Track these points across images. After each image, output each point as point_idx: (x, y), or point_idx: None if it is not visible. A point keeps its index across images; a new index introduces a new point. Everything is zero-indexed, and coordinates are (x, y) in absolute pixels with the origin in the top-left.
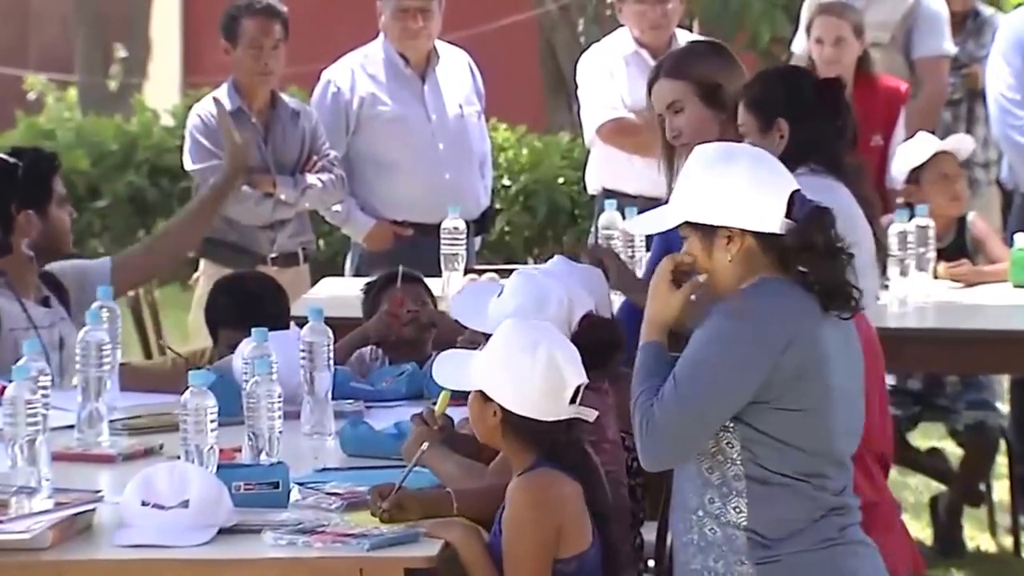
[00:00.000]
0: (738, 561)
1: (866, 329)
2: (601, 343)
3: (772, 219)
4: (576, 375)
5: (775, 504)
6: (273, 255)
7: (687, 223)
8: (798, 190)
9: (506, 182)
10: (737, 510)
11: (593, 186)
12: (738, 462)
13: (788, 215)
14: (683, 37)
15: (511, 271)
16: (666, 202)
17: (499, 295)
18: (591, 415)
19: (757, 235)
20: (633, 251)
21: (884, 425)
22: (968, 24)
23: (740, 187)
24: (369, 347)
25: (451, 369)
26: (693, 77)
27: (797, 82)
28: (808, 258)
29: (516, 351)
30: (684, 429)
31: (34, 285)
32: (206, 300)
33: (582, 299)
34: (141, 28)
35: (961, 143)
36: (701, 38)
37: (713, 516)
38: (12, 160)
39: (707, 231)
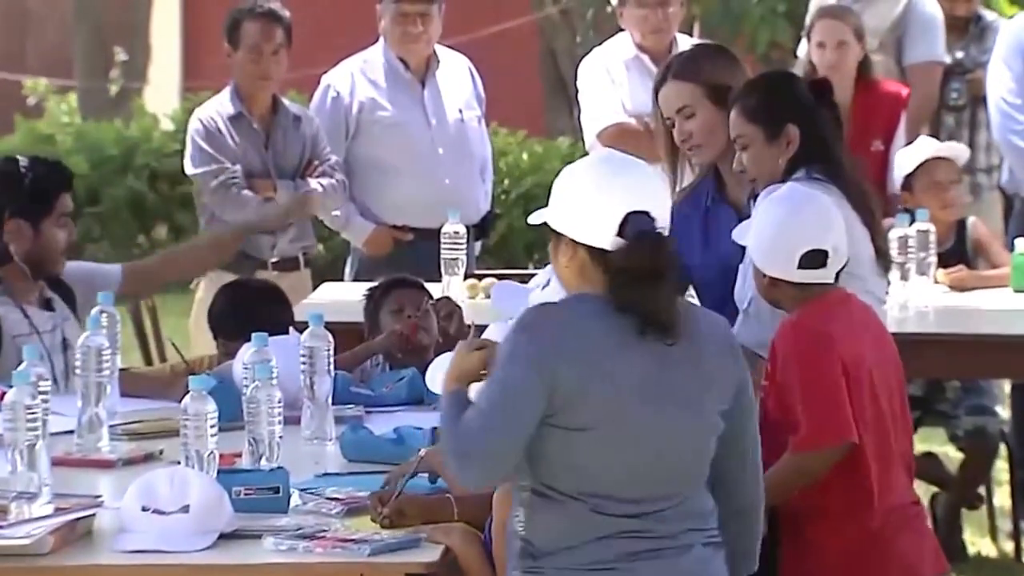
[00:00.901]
0: (513, 567)
1: (884, 331)
2: None
3: (602, 235)
4: None
5: (548, 518)
6: (274, 259)
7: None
8: (638, 212)
9: (506, 187)
10: (518, 519)
11: None
12: (522, 473)
13: (620, 233)
14: (684, 42)
15: (511, 276)
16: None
17: (543, 287)
18: None
19: (589, 249)
20: None
21: (906, 426)
22: (971, 29)
23: (579, 198)
24: None
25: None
26: (703, 79)
27: (796, 86)
28: (626, 280)
29: None
30: (488, 444)
31: (34, 289)
32: (209, 307)
33: None
34: (141, 32)
35: (952, 149)
36: (703, 41)
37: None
38: (22, 168)
39: (556, 236)
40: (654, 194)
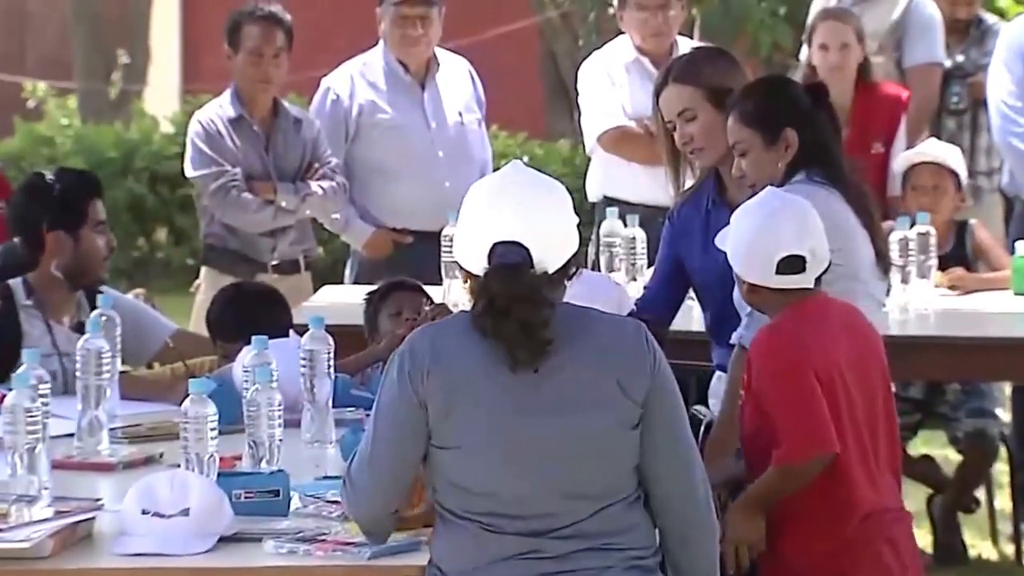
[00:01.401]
0: None
1: (870, 333)
2: None
3: (476, 262)
4: None
5: (451, 540)
6: (274, 262)
7: None
8: (505, 243)
9: None
10: (429, 543)
11: (594, 194)
12: (431, 495)
13: (489, 261)
14: (684, 45)
15: None
16: (666, 210)
17: None
18: None
19: (469, 273)
20: (635, 258)
21: (890, 429)
22: (971, 32)
23: (463, 222)
24: None
25: None
26: (703, 83)
27: (792, 90)
28: (480, 309)
29: None
30: (369, 478)
31: (69, 309)
32: (207, 310)
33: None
34: (141, 35)
35: (937, 152)
36: (704, 44)
37: None
38: (49, 179)
39: None
40: (539, 221)
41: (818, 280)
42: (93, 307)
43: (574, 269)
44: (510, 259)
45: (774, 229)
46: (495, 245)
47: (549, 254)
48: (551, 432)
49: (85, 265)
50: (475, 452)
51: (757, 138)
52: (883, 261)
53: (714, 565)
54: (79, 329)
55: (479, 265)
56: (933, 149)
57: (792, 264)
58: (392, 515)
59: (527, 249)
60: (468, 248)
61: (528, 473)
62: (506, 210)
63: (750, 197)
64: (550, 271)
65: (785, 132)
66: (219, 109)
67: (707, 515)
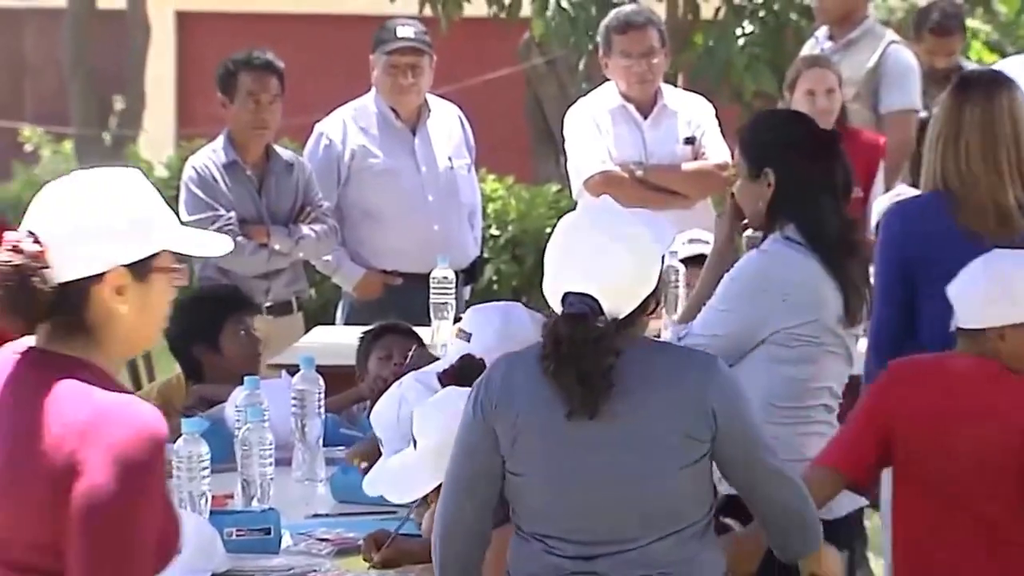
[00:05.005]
0: None
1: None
2: None
3: (553, 302)
4: None
5: (521, 552)
6: (268, 304)
7: None
8: (576, 293)
9: (495, 232)
10: (508, 558)
11: None
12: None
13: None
14: (669, 92)
15: None
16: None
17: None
18: None
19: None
20: None
21: (1007, 499)
22: (952, 81)
23: (546, 258)
24: None
25: (391, 483)
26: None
27: (792, 130)
28: (545, 351)
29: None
30: (449, 503)
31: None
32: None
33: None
34: (136, 81)
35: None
36: (689, 92)
37: None
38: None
39: None
40: (609, 268)
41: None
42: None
43: (653, 306)
44: (577, 309)
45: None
46: (566, 294)
47: (619, 301)
48: (606, 471)
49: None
50: (535, 482)
51: (744, 168)
52: (851, 316)
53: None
54: None
55: (555, 306)
56: (910, 194)
57: None
58: (474, 557)
59: (595, 300)
60: (547, 289)
61: (582, 507)
62: (577, 259)
63: (744, 230)
64: (621, 316)
65: (766, 171)
66: (212, 155)
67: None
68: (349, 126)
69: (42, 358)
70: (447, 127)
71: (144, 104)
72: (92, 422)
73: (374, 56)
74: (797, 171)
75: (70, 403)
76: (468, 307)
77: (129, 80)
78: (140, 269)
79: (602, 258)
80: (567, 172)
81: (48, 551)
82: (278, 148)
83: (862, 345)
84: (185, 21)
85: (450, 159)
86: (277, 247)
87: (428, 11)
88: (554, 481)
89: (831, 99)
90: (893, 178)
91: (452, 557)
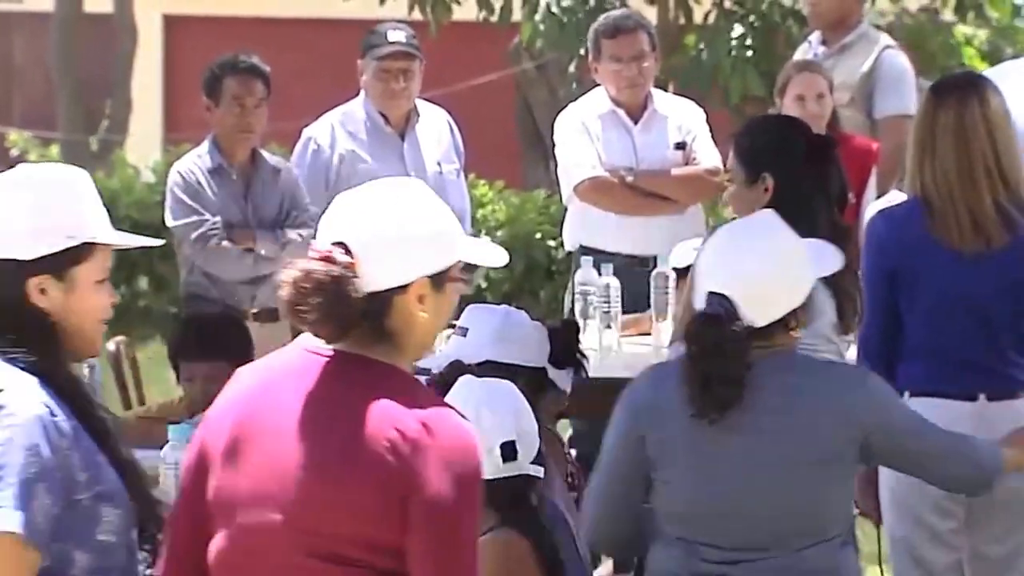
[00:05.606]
0: None
1: None
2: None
3: (699, 303)
4: (501, 434)
5: (662, 553)
6: (254, 310)
7: None
8: (716, 293)
9: (484, 237)
10: (649, 560)
11: (570, 243)
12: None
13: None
14: (659, 96)
15: None
16: (641, 259)
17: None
18: (539, 471)
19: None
20: (609, 306)
21: None
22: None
23: (698, 265)
24: None
25: None
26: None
27: (789, 136)
28: (687, 354)
29: None
30: (592, 506)
31: None
32: (169, 339)
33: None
34: (123, 86)
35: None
36: (679, 97)
37: None
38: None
39: None
40: (754, 274)
41: None
42: None
43: (794, 323)
44: (712, 310)
45: None
46: (709, 294)
47: (758, 309)
48: (749, 482)
49: None
50: (679, 487)
51: (741, 174)
52: (844, 324)
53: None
54: None
55: (698, 305)
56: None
57: None
58: (631, 536)
59: (732, 303)
60: (696, 289)
61: (725, 514)
62: (726, 260)
63: None
64: (757, 325)
65: (763, 175)
66: (198, 159)
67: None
68: (337, 131)
69: (356, 362)
70: (436, 132)
71: (131, 108)
72: (422, 432)
73: (364, 61)
74: (794, 175)
75: (398, 412)
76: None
77: (116, 84)
78: (439, 279)
79: (749, 263)
80: (557, 177)
81: (375, 550)
82: (264, 153)
83: (852, 353)
84: (172, 25)
85: (439, 164)
86: (263, 252)
87: (417, 15)
88: (698, 488)
89: (821, 104)
90: (887, 184)
91: (594, 543)
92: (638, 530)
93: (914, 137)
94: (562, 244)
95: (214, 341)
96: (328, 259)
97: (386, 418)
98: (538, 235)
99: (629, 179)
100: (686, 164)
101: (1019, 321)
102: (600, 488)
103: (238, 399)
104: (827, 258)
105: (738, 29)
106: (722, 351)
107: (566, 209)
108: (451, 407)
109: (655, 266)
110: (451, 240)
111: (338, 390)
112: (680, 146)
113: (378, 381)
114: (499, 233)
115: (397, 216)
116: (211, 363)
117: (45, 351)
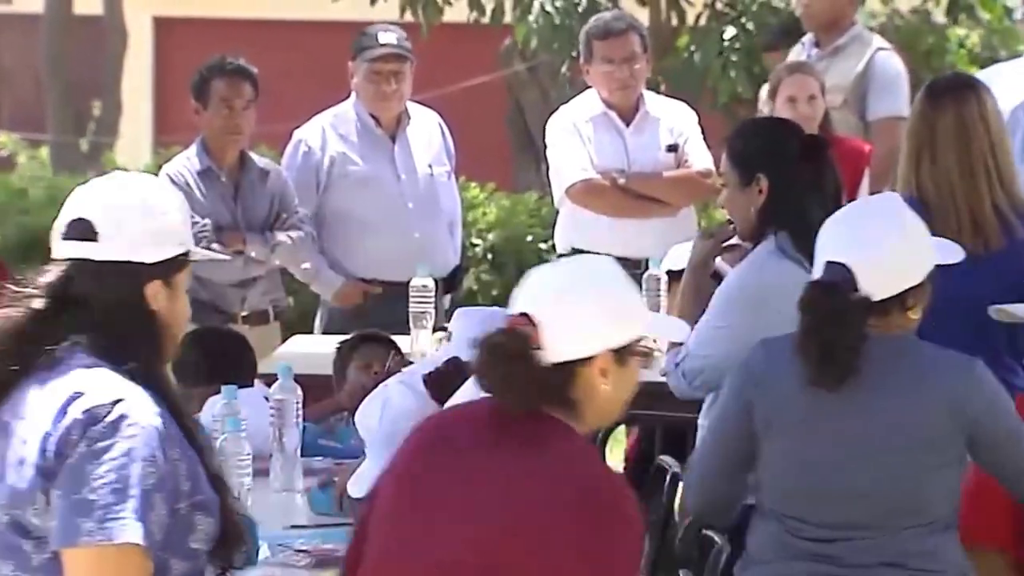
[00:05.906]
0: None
1: None
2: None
3: (816, 271)
4: None
5: (761, 531)
6: (244, 313)
7: None
8: (834, 263)
9: (475, 240)
10: (749, 533)
11: (562, 245)
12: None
13: None
14: (650, 98)
15: None
16: (632, 261)
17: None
18: None
19: None
20: None
21: None
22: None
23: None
24: None
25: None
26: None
27: (782, 137)
28: (801, 324)
29: None
30: (699, 466)
31: None
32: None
33: None
34: (112, 88)
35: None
36: (671, 99)
37: None
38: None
39: None
40: (876, 244)
41: None
42: None
43: (911, 302)
44: (829, 277)
45: None
46: (827, 263)
47: (876, 280)
48: (854, 461)
49: None
50: (783, 462)
51: (734, 176)
52: None
53: None
54: None
55: (816, 274)
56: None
57: None
58: (728, 502)
59: (851, 272)
60: (816, 257)
61: (827, 492)
62: (849, 229)
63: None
64: (875, 298)
65: (758, 177)
66: (187, 162)
67: None
68: (328, 133)
69: (545, 422)
70: (427, 134)
71: (121, 110)
72: (594, 504)
73: (355, 63)
74: (789, 175)
75: (566, 473)
76: (448, 316)
77: (106, 86)
78: (622, 353)
79: (872, 232)
80: (549, 180)
81: None
82: (253, 155)
83: None
84: (162, 27)
85: (430, 166)
86: (253, 254)
87: (408, 16)
88: (804, 465)
89: (813, 106)
90: (880, 186)
91: (698, 508)
92: (738, 496)
93: (910, 138)
94: (553, 246)
95: (219, 369)
96: (512, 331)
97: (581, 486)
98: (529, 237)
99: (621, 181)
100: (678, 166)
101: (1015, 324)
102: (706, 451)
103: (422, 448)
104: (950, 249)
105: (730, 31)
106: (839, 319)
107: (558, 211)
108: (622, 480)
109: (647, 268)
110: (634, 315)
111: (529, 453)
112: (672, 148)
113: (561, 443)
114: (490, 235)
115: (582, 291)
116: (213, 386)
117: (154, 357)
